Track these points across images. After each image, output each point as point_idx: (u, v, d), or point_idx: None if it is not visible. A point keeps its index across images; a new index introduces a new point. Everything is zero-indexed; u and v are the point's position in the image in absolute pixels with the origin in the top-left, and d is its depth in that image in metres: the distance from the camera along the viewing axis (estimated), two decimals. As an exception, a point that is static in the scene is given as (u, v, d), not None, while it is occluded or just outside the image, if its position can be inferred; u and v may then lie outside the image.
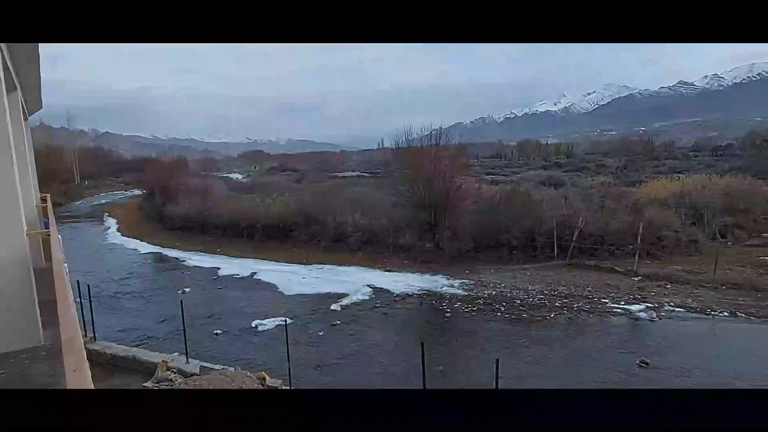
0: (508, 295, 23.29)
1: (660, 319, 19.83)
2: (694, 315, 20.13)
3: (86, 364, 2.38)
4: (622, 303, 21.50)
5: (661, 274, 24.49)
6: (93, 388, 2.04)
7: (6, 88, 4.82)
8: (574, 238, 27.70)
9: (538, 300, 22.46)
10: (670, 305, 21.00)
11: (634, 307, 20.86)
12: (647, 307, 20.84)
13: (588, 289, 23.49)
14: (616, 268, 25.88)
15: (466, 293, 23.97)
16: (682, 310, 20.59)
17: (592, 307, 21.26)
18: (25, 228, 4.92)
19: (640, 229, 26.09)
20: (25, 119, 11.67)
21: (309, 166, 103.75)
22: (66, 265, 4.93)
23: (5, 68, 5.80)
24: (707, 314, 20.10)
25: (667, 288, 23.01)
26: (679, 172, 53.61)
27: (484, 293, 23.71)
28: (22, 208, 4.88)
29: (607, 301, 21.88)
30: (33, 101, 12.48)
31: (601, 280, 24.56)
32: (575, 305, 21.56)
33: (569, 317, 20.46)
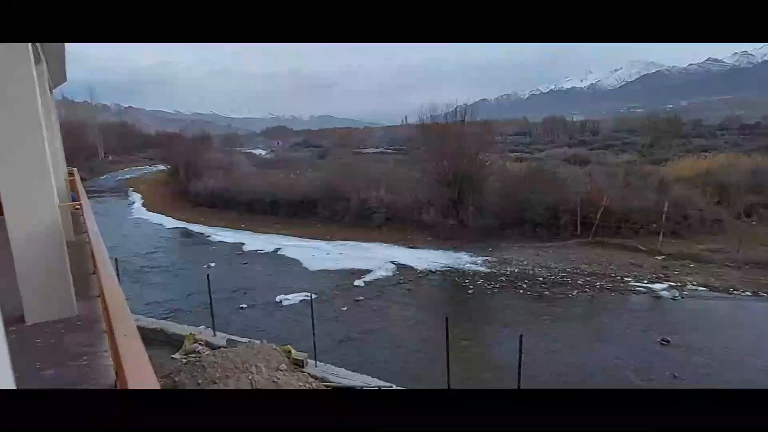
0: (531, 272, 23.40)
1: (682, 298, 19.83)
2: (717, 294, 20.09)
3: (135, 329, 2.44)
4: (645, 281, 21.50)
5: (685, 253, 24.33)
6: (144, 352, 2.12)
7: (33, 60, 4.86)
8: (598, 216, 27.55)
9: (561, 278, 22.53)
10: (693, 284, 20.95)
11: (656, 286, 20.86)
12: (670, 286, 20.82)
13: (611, 267, 23.48)
14: (639, 246, 25.76)
15: (489, 270, 24.13)
16: (704, 289, 20.54)
17: (614, 286, 21.31)
18: (57, 201, 5.00)
19: (665, 208, 25.84)
20: (50, 92, 11.66)
21: (332, 142, 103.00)
22: (98, 232, 5.00)
23: None
24: (730, 293, 20.04)
25: (690, 267, 22.90)
26: (706, 151, 52.27)
27: (507, 270, 23.86)
28: (53, 180, 4.98)
29: (629, 279, 21.88)
30: (57, 74, 12.46)
31: (625, 259, 24.50)
32: (598, 283, 21.61)
33: (591, 295, 20.55)
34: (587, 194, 29.04)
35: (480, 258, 25.95)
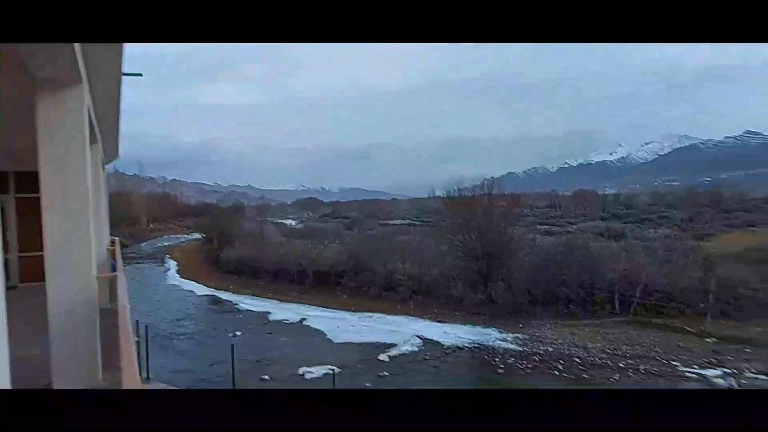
0: (566, 352, 21.93)
1: (740, 386, 18.01)
2: (780, 383, 18.19)
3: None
4: (696, 367, 19.72)
5: (739, 336, 22.45)
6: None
7: (90, 141, 5.31)
8: (637, 294, 25.93)
9: (600, 359, 20.97)
10: (752, 371, 19.08)
11: (709, 372, 19.08)
12: (725, 372, 19.00)
13: (656, 349, 21.75)
14: (686, 327, 23.94)
15: (521, 348, 22.79)
16: (765, 377, 18.66)
17: (661, 370, 19.60)
18: (95, 272, 5.27)
19: (713, 287, 24.15)
20: (103, 168, 12.51)
21: (360, 214, 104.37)
22: (129, 307, 5.09)
23: (90, 123, 6.34)
24: (795, 382, 18.13)
25: (746, 352, 20.98)
26: (753, 225, 50.10)
27: (540, 349, 22.46)
28: (94, 254, 5.27)
29: (677, 363, 20.14)
30: (111, 151, 13.50)
31: (671, 341, 22.71)
32: (642, 367, 19.95)
33: (636, 380, 18.89)
34: (624, 270, 27.58)
35: (510, 335, 24.61)
